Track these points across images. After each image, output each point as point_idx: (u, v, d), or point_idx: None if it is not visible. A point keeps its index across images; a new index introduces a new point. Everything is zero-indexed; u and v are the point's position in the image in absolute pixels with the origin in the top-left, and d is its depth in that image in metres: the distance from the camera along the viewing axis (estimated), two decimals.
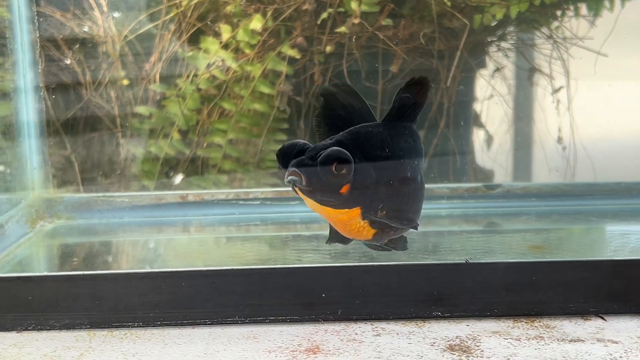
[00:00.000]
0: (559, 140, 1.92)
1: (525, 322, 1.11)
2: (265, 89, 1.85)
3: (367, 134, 1.09)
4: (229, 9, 1.86)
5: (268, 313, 1.11)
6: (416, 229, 1.13)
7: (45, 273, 1.09)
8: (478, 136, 1.97)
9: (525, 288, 1.12)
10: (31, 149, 1.55)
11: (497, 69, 1.95)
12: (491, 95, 1.96)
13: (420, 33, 1.82)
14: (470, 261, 1.12)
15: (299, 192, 1.04)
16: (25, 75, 1.57)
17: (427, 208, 1.61)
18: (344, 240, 1.16)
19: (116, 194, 1.63)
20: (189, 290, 1.10)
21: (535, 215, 1.62)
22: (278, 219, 1.62)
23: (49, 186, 1.60)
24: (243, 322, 1.10)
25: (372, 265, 1.13)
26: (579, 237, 1.55)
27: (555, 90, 1.90)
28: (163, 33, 1.87)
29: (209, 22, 1.88)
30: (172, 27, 1.87)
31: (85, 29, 1.79)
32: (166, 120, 1.86)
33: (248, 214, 1.63)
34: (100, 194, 1.62)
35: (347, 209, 1.05)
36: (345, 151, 1.03)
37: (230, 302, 1.10)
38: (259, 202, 1.66)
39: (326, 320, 1.11)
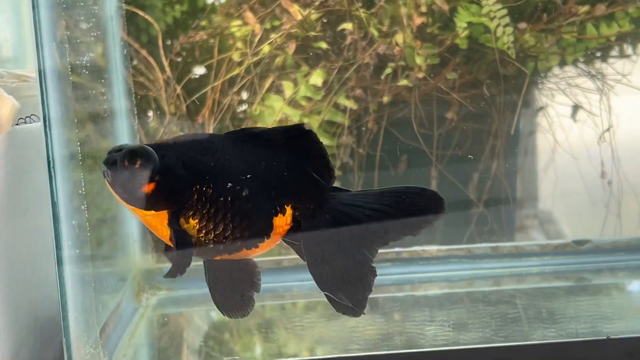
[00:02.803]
0: (603, 174, 1.96)
1: None
2: (325, 141, 1.87)
3: (194, 139, 1.06)
4: (279, 61, 1.88)
5: None
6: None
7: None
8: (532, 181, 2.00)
9: None
10: (131, 220, 1.55)
11: (541, 108, 1.99)
12: (534, 131, 2.00)
13: (480, 82, 1.86)
14: (611, 337, 1.15)
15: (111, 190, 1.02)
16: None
17: (518, 266, 1.64)
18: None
19: None
20: None
21: (629, 271, 1.63)
22: None
23: (148, 256, 1.60)
24: None
25: (515, 345, 1.16)
26: None
27: (606, 130, 1.95)
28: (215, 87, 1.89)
29: (273, 80, 1.90)
30: (224, 78, 1.89)
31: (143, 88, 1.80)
32: None
33: None
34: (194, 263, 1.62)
35: (153, 211, 1.03)
36: (147, 147, 1.00)
37: None
38: None
39: None
